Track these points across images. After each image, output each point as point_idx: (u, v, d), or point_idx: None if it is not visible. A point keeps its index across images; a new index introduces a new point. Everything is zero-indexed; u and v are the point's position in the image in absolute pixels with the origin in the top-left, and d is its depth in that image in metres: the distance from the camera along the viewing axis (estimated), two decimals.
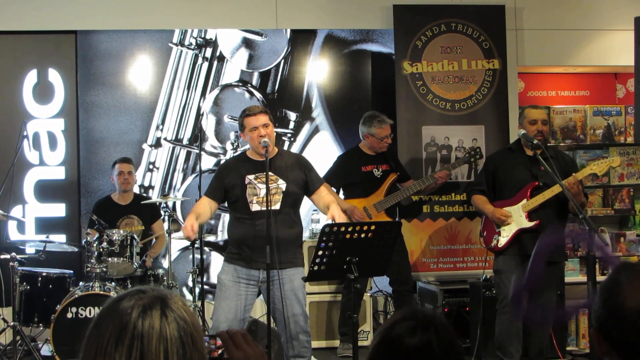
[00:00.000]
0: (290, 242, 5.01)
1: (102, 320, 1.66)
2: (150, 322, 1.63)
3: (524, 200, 5.48)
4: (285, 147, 7.33)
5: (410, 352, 1.81)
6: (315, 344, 6.56)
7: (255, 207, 4.94)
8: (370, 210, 6.39)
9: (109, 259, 6.03)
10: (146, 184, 7.26)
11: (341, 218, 4.82)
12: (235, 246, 5.05)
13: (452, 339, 1.85)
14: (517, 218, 5.49)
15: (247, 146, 5.18)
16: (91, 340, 1.65)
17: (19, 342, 5.99)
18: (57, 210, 7.18)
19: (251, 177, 4.97)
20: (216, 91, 7.36)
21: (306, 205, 7.14)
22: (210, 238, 6.99)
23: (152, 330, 1.62)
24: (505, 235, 5.51)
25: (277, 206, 4.93)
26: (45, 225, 7.06)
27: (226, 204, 5.18)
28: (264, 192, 4.87)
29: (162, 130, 7.28)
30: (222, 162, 7.19)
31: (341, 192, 6.60)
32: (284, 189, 4.95)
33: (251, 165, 5.02)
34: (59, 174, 7.19)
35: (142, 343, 1.61)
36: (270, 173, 4.87)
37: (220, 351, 1.88)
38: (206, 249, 6.98)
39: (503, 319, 5.50)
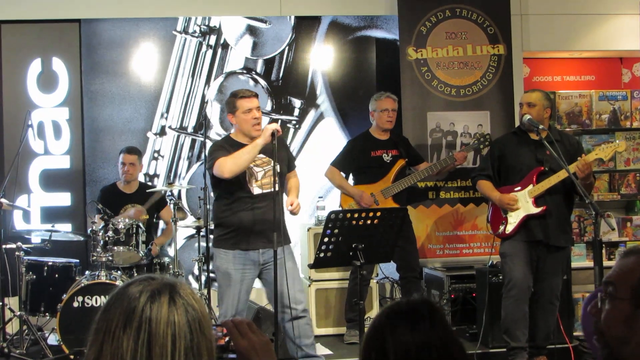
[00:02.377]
0: (284, 222, 5.15)
1: (111, 305, 1.67)
2: (159, 307, 1.64)
3: (530, 186, 5.45)
4: (290, 135, 7.33)
5: (398, 340, 1.80)
6: (322, 330, 6.57)
7: (256, 191, 4.99)
8: (378, 196, 6.35)
9: (115, 247, 6.02)
10: (151, 172, 7.25)
11: (298, 205, 5.09)
12: (232, 230, 5.07)
13: (444, 326, 1.84)
14: (523, 204, 5.46)
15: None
16: (100, 324, 1.66)
17: (26, 331, 6.01)
18: (62, 199, 7.18)
19: None
20: (220, 79, 7.34)
21: (312, 192, 7.15)
22: None
23: (160, 315, 1.63)
24: (512, 222, 5.49)
25: (277, 188, 4.97)
26: (51, 215, 7.06)
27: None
28: (261, 175, 5.03)
29: (166, 118, 7.27)
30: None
31: (350, 177, 6.56)
32: (278, 171, 4.99)
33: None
34: (64, 163, 7.19)
35: (149, 326, 1.62)
36: (266, 156, 5.03)
37: (227, 339, 1.88)
38: (212, 236, 6.96)
39: (509, 302, 5.48)
